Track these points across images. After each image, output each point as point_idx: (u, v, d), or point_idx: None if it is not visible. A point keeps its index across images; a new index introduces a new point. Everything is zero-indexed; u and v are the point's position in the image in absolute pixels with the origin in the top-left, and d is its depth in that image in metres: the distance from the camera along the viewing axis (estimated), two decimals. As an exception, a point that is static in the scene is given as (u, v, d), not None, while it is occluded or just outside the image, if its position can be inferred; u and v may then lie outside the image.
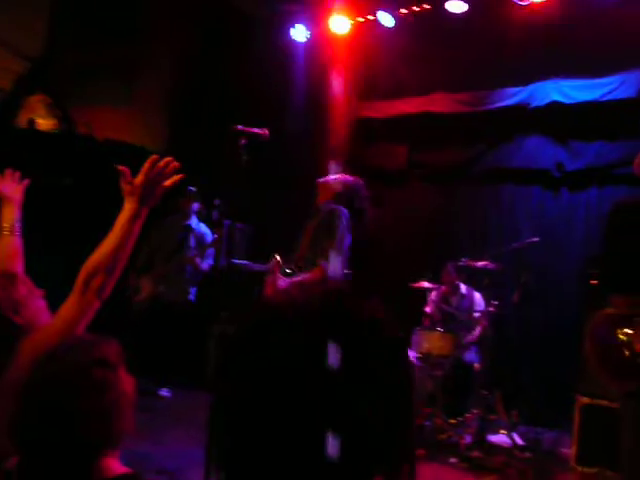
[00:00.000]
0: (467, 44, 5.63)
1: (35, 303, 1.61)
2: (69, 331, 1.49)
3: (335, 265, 3.15)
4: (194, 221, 5.39)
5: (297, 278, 3.22)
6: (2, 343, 1.47)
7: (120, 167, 1.64)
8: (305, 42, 6.39)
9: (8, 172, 2.07)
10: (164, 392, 5.11)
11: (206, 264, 5.19)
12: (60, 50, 6.06)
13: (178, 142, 6.44)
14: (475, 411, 4.27)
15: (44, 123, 6.06)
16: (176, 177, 1.67)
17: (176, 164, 1.66)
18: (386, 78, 6.12)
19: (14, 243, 1.96)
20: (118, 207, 1.65)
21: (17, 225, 1.99)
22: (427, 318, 5.04)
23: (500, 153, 5.79)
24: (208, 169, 5.67)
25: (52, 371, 1.24)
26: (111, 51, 6.22)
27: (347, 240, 3.27)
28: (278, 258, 3.33)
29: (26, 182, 2.09)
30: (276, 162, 6.02)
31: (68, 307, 1.54)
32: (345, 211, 3.34)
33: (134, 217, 1.60)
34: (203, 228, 5.38)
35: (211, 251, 5.11)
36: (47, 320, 1.57)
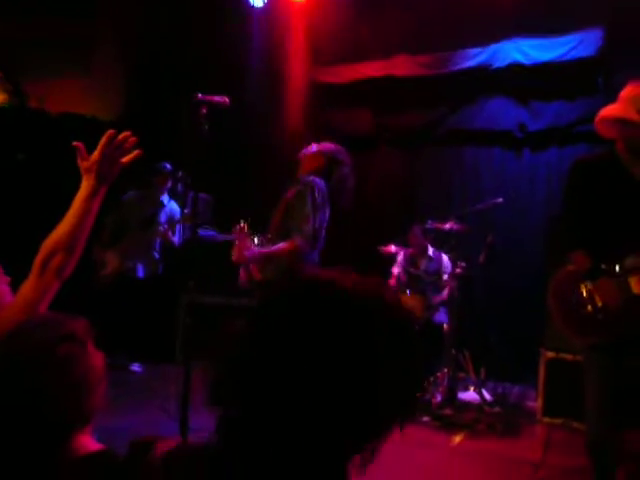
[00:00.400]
0: (426, 5, 5.57)
1: (1, 287, 1.56)
2: (29, 312, 1.45)
3: (306, 240, 3.14)
4: (166, 198, 5.35)
5: (266, 249, 3.20)
6: None
7: (75, 143, 1.57)
8: (262, 7, 6.23)
9: None
10: (135, 367, 5.10)
11: (176, 239, 5.19)
12: (9, 22, 5.78)
13: (136, 113, 6.27)
14: (445, 370, 4.37)
15: (-6, 98, 5.82)
16: (135, 153, 1.61)
17: (134, 139, 1.60)
18: (345, 42, 6.03)
19: None
20: (73, 182, 1.59)
21: None
22: (394, 280, 5.10)
23: (463, 115, 5.80)
24: (168, 140, 5.56)
25: (16, 348, 1.21)
26: (66, 22, 5.97)
27: (321, 215, 3.24)
28: (243, 224, 3.29)
29: None
30: (236, 130, 5.93)
31: (27, 288, 1.49)
32: (321, 184, 3.28)
33: (92, 195, 1.55)
34: (174, 205, 5.37)
35: (179, 227, 5.10)
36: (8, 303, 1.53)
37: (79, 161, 1.57)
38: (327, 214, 3.28)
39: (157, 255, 5.28)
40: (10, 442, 1.19)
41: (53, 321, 1.28)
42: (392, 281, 5.13)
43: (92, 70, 6.36)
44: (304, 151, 3.54)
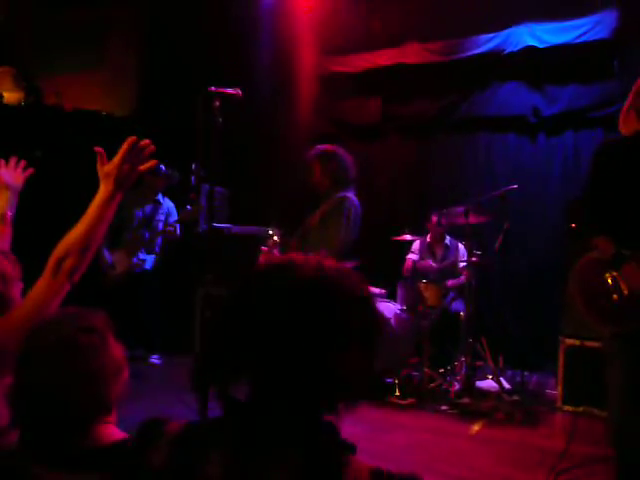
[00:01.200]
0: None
1: (16, 287, 1.61)
2: (40, 312, 1.47)
3: (333, 255, 3.23)
4: (160, 196, 5.40)
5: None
6: None
7: (96, 148, 1.59)
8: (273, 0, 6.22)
9: (12, 160, 2.12)
10: (154, 359, 5.20)
11: (178, 234, 5.29)
12: (22, 18, 5.80)
13: (149, 107, 6.30)
14: (462, 359, 4.36)
15: (10, 96, 5.86)
16: (152, 162, 1.63)
17: (153, 147, 1.62)
18: (355, 31, 5.99)
19: (2, 231, 1.98)
20: (89, 179, 1.60)
21: (9, 214, 2.03)
22: (408, 270, 5.08)
23: (476, 101, 5.73)
24: (182, 133, 5.57)
25: (40, 341, 1.24)
26: (77, 15, 5.99)
27: (352, 230, 3.43)
28: (276, 238, 3.45)
29: (29, 171, 2.15)
30: (249, 123, 5.93)
31: (39, 289, 1.51)
32: (354, 199, 3.48)
33: (109, 200, 1.57)
34: (169, 202, 5.41)
35: (177, 225, 5.21)
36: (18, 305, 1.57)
37: (99, 166, 1.59)
38: (357, 228, 3.47)
39: (158, 250, 5.36)
40: (37, 434, 1.22)
41: (73, 314, 1.31)
42: (407, 270, 5.12)
43: (105, 64, 6.38)
44: (313, 157, 3.66)
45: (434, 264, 5.09)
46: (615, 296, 2.27)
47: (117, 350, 1.30)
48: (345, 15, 5.98)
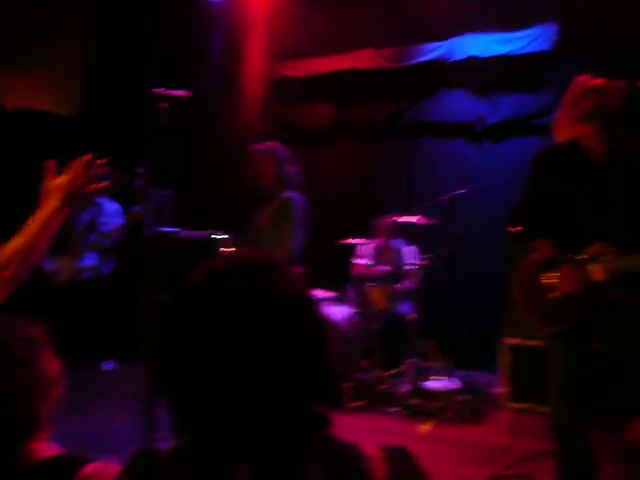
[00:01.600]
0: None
1: None
2: None
3: (288, 256, 3.31)
4: (104, 198, 5.28)
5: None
6: None
7: (47, 163, 1.55)
8: (221, 1, 6.17)
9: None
10: (107, 365, 5.12)
11: (122, 236, 5.25)
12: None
13: (95, 107, 6.13)
14: (412, 360, 4.42)
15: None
16: (101, 184, 1.62)
17: (106, 168, 1.61)
18: (305, 36, 6.02)
19: None
20: (30, 179, 1.56)
21: None
22: (357, 274, 5.11)
23: (423, 108, 5.86)
24: (128, 135, 5.45)
25: None
26: (24, 10, 5.76)
27: (303, 232, 3.47)
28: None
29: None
30: (196, 126, 5.87)
31: None
32: (300, 200, 3.51)
33: (54, 213, 1.54)
34: (114, 205, 5.32)
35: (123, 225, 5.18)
36: None
37: (47, 179, 1.55)
38: (306, 231, 3.50)
39: (100, 256, 5.26)
40: None
41: (10, 322, 1.24)
42: (354, 274, 5.14)
43: (50, 63, 6.17)
44: (259, 153, 3.65)
45: (383, 267, 5.14)
46: (552, 295, 2.35)
47: (53, 364, 1.25)
48: (298, 19, 6.00)
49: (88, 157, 1.58)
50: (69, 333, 4.51)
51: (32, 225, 1.53)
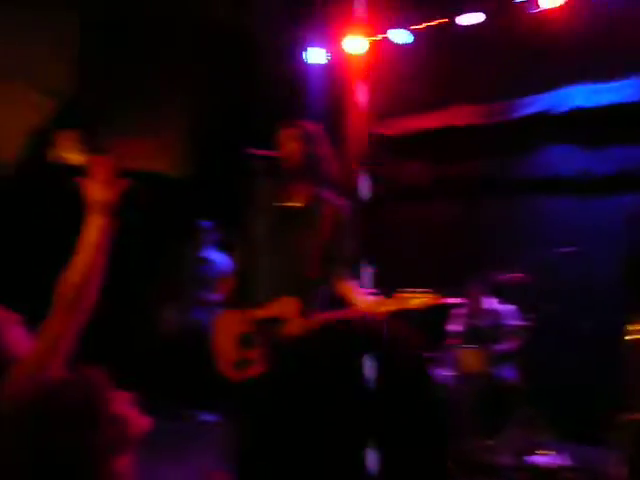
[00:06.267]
0: (484, 55, 5.61)
1: (12, 331, 1.51)
2: (55, 350, 1.41)
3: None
4: (211, 252, 5.48)
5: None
6: None
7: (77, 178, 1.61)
8: (322, 64, 6.45)
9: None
10: (207, 417, 5.17)
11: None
12: (89, 84, 6.11)
13: (201, 169, 6.51)
14: (515, 431, 4.13)
15: (74, 158, 6.10)
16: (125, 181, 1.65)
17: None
18: (405, 95, 6.13)
19: None
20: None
21: None
22: (454, 335, 4.92)
23: (524, 163, 5.73)
24: (231, 195, 5.71)
25: (55, 409, 1.17)
26: (133, 82, 6.30)
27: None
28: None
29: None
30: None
31: (51, 326, 1.45)
32: (349, 211, 3.10)
33: (102, 232, 1.55)
34: (222, 258, 5.44)
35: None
36: (28, 346, 1.47)
37: (84, 196, 1.59)
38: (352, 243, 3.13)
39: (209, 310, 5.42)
40: None
41: (96, 382, 1.24)
42: (452, 338, 4.94)
43: (158, 128, 6.65)
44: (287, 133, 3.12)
45: (479, 327, 4.93)
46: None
47: (139, 421, 1.25)
48: (393, 80, 6.13)
49: (109, 160, 1.63)
50: (173, 383, 4.65)
51: (85, 250, 1.52)
